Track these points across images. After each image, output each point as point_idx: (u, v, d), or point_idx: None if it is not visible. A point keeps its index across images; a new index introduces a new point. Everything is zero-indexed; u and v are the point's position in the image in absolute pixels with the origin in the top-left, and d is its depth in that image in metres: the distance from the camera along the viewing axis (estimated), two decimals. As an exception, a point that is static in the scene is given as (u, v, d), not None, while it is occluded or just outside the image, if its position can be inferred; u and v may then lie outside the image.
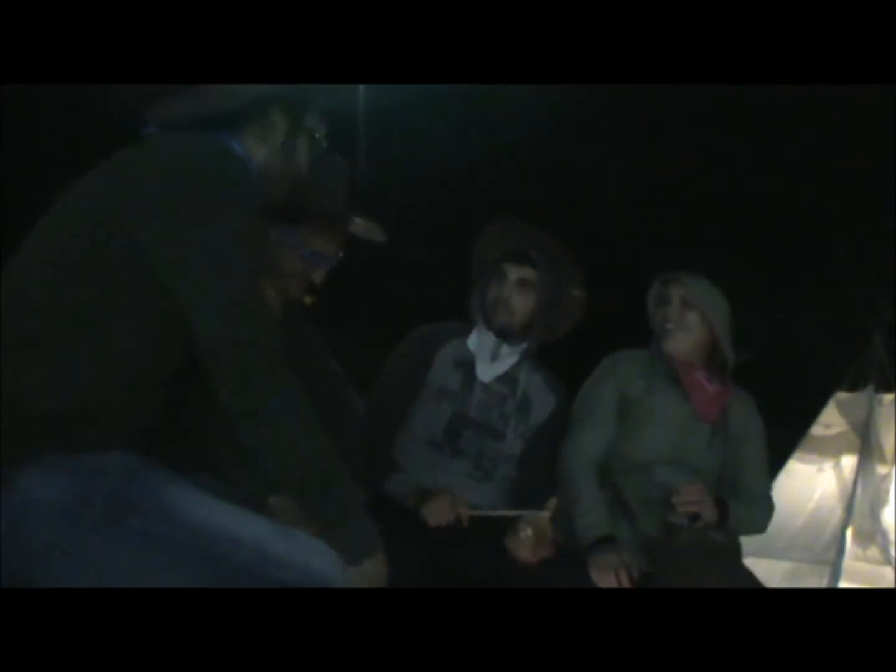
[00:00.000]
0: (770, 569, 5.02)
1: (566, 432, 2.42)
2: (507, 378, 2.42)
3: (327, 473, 1.41)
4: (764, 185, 5.40)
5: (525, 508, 2.23)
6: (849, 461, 5.41)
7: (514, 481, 2.38)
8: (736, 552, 2.43)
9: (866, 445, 5.25)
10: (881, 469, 5.18)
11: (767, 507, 2.52)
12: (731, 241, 4.97)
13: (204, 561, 1.33)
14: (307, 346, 2.19)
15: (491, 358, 2.41)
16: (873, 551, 5.07)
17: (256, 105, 1.59)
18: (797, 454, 5.52)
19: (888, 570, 4.94)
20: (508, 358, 2.42)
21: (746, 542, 2.54)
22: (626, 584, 2.12)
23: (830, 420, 5.53)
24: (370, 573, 1.43)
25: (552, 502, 2.21)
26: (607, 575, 2.12)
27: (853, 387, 5.54)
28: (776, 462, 5.16)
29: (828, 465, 5.54)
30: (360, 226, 2.01)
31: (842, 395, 5.54)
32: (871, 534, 5.08)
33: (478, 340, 2.43)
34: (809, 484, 5.49)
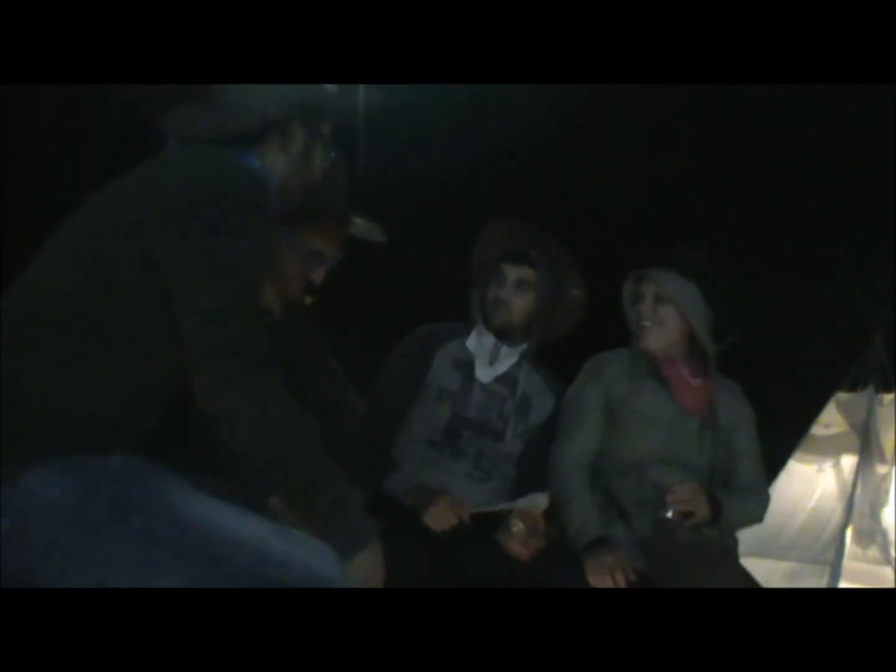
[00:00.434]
0: (770, 569, 5.03)
1: (555, 437, 2.41)
2: (507, 378, 2.42)
3: (313, 473, 1.40)
4: (764, 186, 5.40)
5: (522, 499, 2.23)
6: (849, 461, 5.41)
7: (514, 481, 2.38)
8: (732, 551, 2.43)
9: (866, 445, 5.25)
10: (881, 469, 5.18)
11: (763, 496, 2.51)
12: (732, 241, 4.96)
13: (205, 561, 1.34)
14: (307, 346, 2.20)
15: (490, 358, 2.41)
16: (873, 551, 5.08)
17: (278, 122, 1.60)
18: (797, 454, 5.53)
19: (888, 570, 4.95)
20: (508, 358, 2.42)
21: (746, 541, 2.54)
22: (621, 585, 2.11)
23: (830, 420, 5.53)
24: (363, 567, 1.42)
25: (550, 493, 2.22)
26: (603, 576, 2.12)
27: (853, 387, 5.55)
28: (776, 462, 5.16)
29: (828, 465, 5.55)
30: (359, 226, 2.02)
31: (842, 395, 5.55)
32: (871, 534, 5.09)
33: (477, 341, 2.43)
34: (809, 484, 5.50)
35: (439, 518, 2.17)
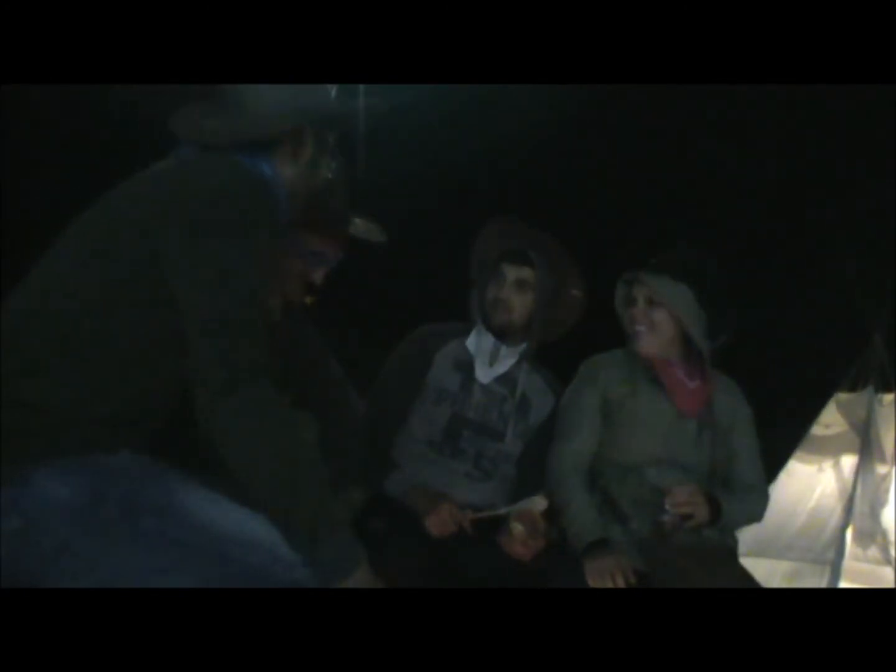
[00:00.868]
0: (770, 569, 5.02)
1: (553, 440, 2.41)
2: (507, 378, 2.42)
3: (302, 495, 1.39)
4: (764, 186, 5.41)
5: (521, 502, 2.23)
6: (849, 461, 5.41)
7: (514, 481, 2.38)
8: (731, 551, 2.42)
9: (866, 445, 5.25)
10: (881, 469, 5.18)
11: (762, 495, 2.50)
12: (732, 241, 4.97)
13: (214, 561, 1.34)
14: (307, 346, 2.20)
15: (490, 359, 2.41)
16: (873, 551, 5.08)
17: (291, 130, 1.61)
18: (797, 454, 5.52)
19: (888, 570, 4.95)
20: (507, 359, 2.42)
21: (747, 542, 2.54)
22: (621, 587, 2.12)
23: (830, 420, 5.53)
24: (328, 554, 1.40)
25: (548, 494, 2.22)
26: (602, 579, 2.12)
27: (853, 387, 5.55)
28: (776, 462, 5.17)
29: (828, 465, 5.54)
30: (360, 227, 2.02)
31: (842, 395, 5.55)
32: (871, 534, 5.09)
33: (477, 341, 2.43)
34: (809, 484, 5.50)
35: (440, 525, 2.18)
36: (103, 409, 1.40)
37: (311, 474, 1.41)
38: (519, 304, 2.40)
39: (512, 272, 2.40)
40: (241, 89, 1.60)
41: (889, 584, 4.73)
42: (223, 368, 1.36)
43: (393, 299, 5.73)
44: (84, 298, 1.42)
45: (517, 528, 2.14)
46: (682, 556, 2.24)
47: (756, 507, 2.48)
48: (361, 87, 1.73)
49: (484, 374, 2.40)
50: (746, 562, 2.48)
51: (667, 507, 2.25)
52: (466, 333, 2.45)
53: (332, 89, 1.69)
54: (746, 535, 2.60)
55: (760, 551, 4.83)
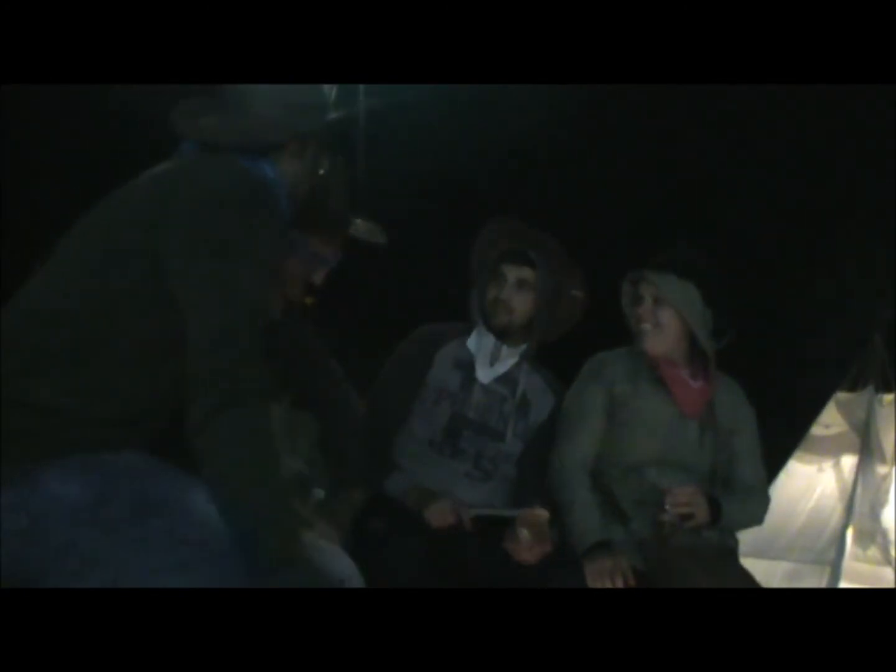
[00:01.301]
0: (770, 569, 5.03)
1: (556, 438, 2.41)
2: (507, 379, 2.42)
3: (270, 515, 1.37)
4: (765, 186, 5.41)
5: (524, 508, 2.23)
6: (849, 461, 5.42)
7: (514, 481, 2.38)
8: (732, 552, 2.42)
9: (866, 445, 5.26)
10: (881, 469, 5.18)
11: (763, 497, 2.50)
12: (732, 241, 4.97)
13: (221, 561, 1.34)
14: (307, 346, 2.20)
15: (491, 359, 2.41)
16: (873, 551, 5.08)
17: (298, 137, 1.62)
18: (797, 454, 5.53)
19: (888, 570, 4.95)
20: (508, 359, 2.42)
21: (746, 542, 2.53)
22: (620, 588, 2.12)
23: (830, 420, 5.53)
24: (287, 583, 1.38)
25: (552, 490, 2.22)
26: (602, 580, 2.12)
27: (853, 387, 5.55)
28: (776, 462, 5.17)
29: (828, 465, 5.55)
30: (360, 227, 2.02)
31: (842, 395, 5.55)
32: (871, 534, 5.09)
33: (477, 341, 2.43)
34: (809, 484, 5.50)
35: (439, 515, 2.18)
36: (106, 409, 1.40)
37: (282, 503, 1.40)
38: (519, 305, 2.40)
39: (513, 272, 2.40)
40: (244, 89, 1.60)
41: (889, 584, 4.74)
42: (216, 388, 1.36)
43: (393, 299, 5.73)
44: (86, 299, 1.42)
45: (523, 533, 2.15)
46: (683, 557, 2.24)
47: (757, 510, 2.48)
48: (361, 87, 1.73)
49: (485, 374, 2.40)
50: (746, 562, 2.48)
51: (667, 506, 2.25)
52: (466, 333, 2.45)
53: (333, 89, 1.69)
54: (746, 536, 2.59)
55: (760, 552, 4.82)
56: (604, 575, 2.13)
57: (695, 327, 2.39)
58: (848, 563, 5.01)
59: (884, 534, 5.06)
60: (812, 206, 5.29)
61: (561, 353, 2.51)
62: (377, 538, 2.10)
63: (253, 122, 1.58)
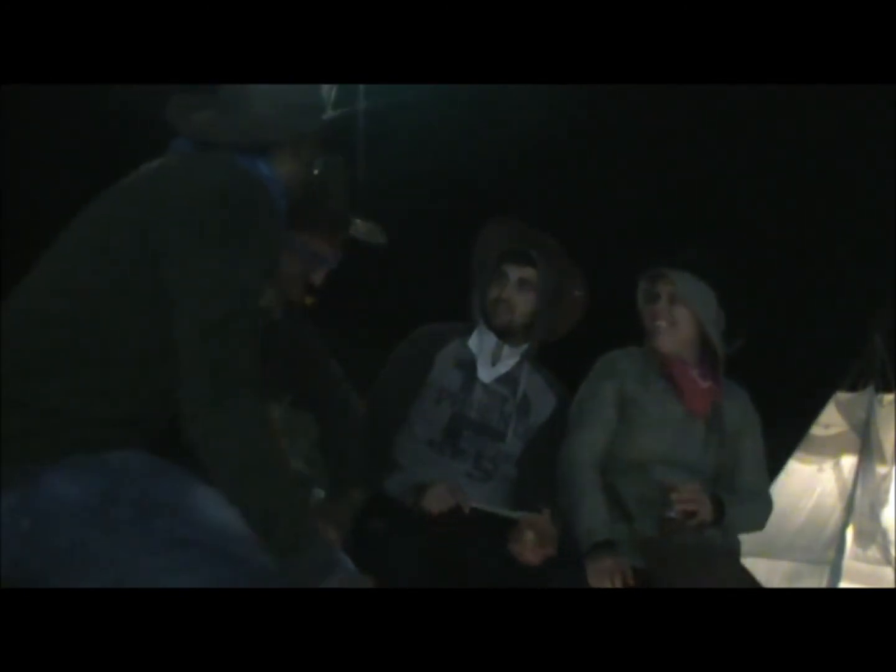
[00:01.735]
0: (770, 569, 5.02)
1: (565, 434, 2.41)
2: (508, 378, 2.42)
3: (275, 505, 1.37)
4: (765, 186, 5.41)
5: (524, 509, 2.23)
6: (849, 461, 5.41)
7: (514, 481, 2.38)
8: (734, 552, 2.43)
9: (866, 445, 5.25)
10: (881, 469, 5.18)
11: (766, 503, 2.51)
12: (732, 241, 4.97)
13: (225, 561, 1.34)
14: (307, 346, 2.20)
15: (492, 359, 2.41)
16: (873, 551, 5.07)
17: (295, 137, 1.62)
18: (797, 454, 5.52)
19: (888, 570, 4.94)
20: (509, 359, 2.42)
21: (746, 541, 2.53)
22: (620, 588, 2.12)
23: (830, 420, 5.53)
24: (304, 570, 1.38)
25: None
26: (604, 579, 2.12)
27: (853, 387, 5.54)
28: (776, 462, 5.16)
29: (828, 465, 5.54)
30: (359, 227, 2.02)
31: (842, 395, 5.54)
32: (871, 534, 5.08)
33: (478, 341, 2.43)
34: (809, 484, 5.49)
35: (437, 500, 2.17)
36: (106, 409, 1.40)
37: (288, 492, 1.40)
38: (521, 304, 2.40)
39: (514, 272, 2.40)
40: (242, 88, 1.60)
41: (889, 584, 4.73)
42: (209, 381, 1.35)
43: (393, 299, 5.73)
44: (84, 298, 1.42)
45: (528, 535, 2.15)
46: (684, 556, 2.24)
47: (759, 514, 2.49)
48: (361, 87, 1.73)
49: (486, 374, 2.40)
50: (746, 562, 2.48)
51: (671, 502, 2.25)
52: (467, 333, 2.45)
53: (332, 89, 1.69)
54: (746, 535, 2.60)
55: (760, 551, 4.82)
56: (605, 574, 2.13)
57: (708, 327, 2.40)
58: (848, 562, 5.00)
59: (884, 534, 5.06)
60: (812, 206, 5.28)
61: (562, 353, 2.51)
62: (377, 538, 2.10)
63: (250, 120, 1.58)
